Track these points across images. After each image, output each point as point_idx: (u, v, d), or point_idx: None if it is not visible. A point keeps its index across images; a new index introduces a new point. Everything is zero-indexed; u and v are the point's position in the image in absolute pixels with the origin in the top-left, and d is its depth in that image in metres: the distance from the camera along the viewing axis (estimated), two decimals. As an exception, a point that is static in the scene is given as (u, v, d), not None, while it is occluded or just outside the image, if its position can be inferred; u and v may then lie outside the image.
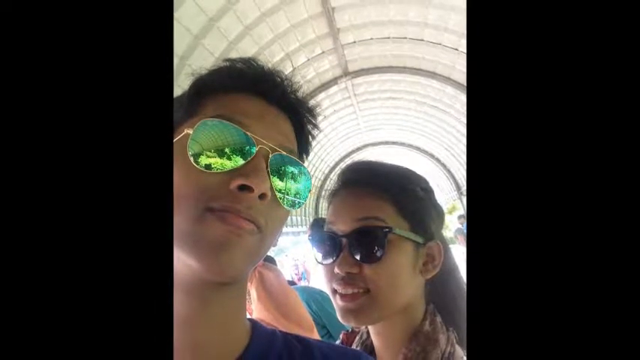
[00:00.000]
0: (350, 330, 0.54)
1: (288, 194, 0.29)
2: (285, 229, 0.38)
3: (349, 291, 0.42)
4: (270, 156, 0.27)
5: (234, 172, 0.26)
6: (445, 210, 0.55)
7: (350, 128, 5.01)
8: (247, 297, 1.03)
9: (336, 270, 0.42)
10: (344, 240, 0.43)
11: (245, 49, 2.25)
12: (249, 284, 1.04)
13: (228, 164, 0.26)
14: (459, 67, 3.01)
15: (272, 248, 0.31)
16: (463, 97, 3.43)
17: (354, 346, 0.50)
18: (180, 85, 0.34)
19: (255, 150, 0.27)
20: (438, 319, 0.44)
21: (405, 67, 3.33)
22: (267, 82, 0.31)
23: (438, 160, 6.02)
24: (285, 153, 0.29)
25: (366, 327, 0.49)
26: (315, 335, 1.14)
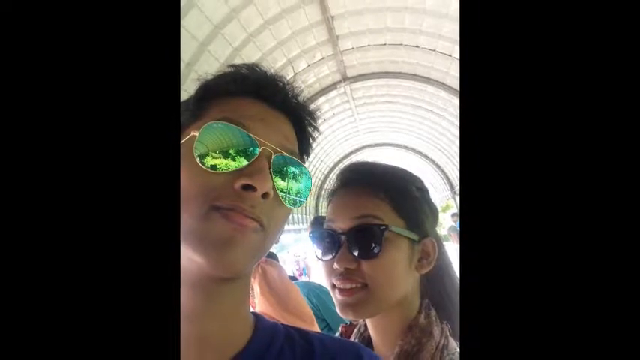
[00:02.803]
0: (349, 323, 0.55)
1: (289, 193, 0.30)
2: (286, 227, 0.40)
3: (348, 286, 0.43)
4: (272, 157, 0.28)
5: (239, 173, 0.27)
6: (439, 208, 0.56)
7: (348, 131, 5.02)
8: (250, 291, 1.03)
9: (336, 266, 0.44)
10: (343, 237, 0.44)
11: (249, 56, 2.27)
12: (252, 279, 1.04)
13: (233, 165, 0.27)
14: (452, 73, 3.05)
15: (274, 245, 0.33)
16: (456, 101, 3.47)
17: (352, 338, 0.51)
18: (187, 89, 0.35)
19: (258, 151, 0.28)
20: (433, 312, 0.45)
21: (400, 73, 3.36)
22: (269, 87, 0.32)
23: (432, 161, 6.05)
24: (286, 154, 0.30)
25: (364, 320, 0.50)
26: (316, 328, 1.14)
